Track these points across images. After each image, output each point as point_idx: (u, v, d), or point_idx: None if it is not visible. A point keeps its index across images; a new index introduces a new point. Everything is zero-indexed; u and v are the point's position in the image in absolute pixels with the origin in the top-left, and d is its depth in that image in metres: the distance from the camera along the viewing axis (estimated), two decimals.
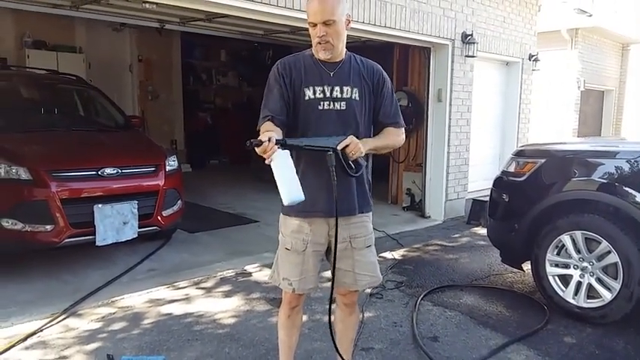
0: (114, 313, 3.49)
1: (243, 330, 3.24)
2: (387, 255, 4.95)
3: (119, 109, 5.84)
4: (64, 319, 3.38)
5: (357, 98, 2.19)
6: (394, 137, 2.31)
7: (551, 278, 3.59)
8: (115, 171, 4.37)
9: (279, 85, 2.15)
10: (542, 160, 3.79)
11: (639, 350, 3.05)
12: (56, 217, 4.04)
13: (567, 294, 3.50)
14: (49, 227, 4.04)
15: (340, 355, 2.38)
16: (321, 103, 2.15)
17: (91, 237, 4.20)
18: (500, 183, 4.08)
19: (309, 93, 2.15)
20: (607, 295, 3.32)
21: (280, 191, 1.94)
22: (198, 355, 2.93)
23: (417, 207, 6.96)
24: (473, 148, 7.13)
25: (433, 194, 6.77)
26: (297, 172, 2.05)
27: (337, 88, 2.16)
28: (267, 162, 1.92)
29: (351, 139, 2.08)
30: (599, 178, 3.44)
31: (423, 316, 3.53)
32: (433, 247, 5.39)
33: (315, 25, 2.09)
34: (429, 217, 6.73)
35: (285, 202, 1.96)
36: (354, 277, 2.27)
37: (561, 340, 3.20)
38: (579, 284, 3.47)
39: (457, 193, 6.94)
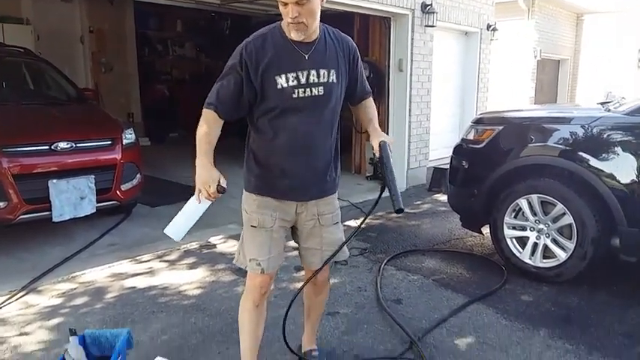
0: (75, 289, 3.41)
1: (208, 300, 3.22)
2: (352, 223, 4.98)
3: (71, 82, 5.62)
4: (23, 295, 3.29)
5: (335, 80, 2.04)
6: (375, 110, 2.29)
7: (508, 240, 3.71)
8: (69, 145, 4.23)
9: (237, 73, 1.95)
10: (500, 128, 3.87)
11: (592, 306, 3.21)
12: (9, 193, 3.90)
13: (524, 255, 3.63)
14: (1, 204, 3.90)
15: (288, 346, 2.35)
16: (296, 90, 1.97)
17: (47, 213, 4.08)
18: (460, 150, 4.16)
19: (281, 81, 1.95)
20: (562, 255, 3.45)
21: (174, 220, 2.04)
22: (163, 326, 2.91)
23: (380, 176, 6.98)
24: (434, 117, 7.22)
25: (395, 163, 6.77)
26: (272, 158, 2.05)
27: (313, 72, 1.98)
28: (195, 197, 1.94)
29: (388, 140, 2.08)
30: (555, 143, 3.54)
31: (386, 280, 3.60)
32: (396, 214, 5.46)
33: (285, 4, 1.87)
34: None
35: (168, 231, 2.05)
36: (322, 254, 2.19)
37: (518, 298, 3.32)
38: (535, 245, 3.60)
39: (419, 161, 7.04)
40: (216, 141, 2.00)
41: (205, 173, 1.91)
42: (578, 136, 3.46)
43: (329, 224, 2.21)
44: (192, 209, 2.01)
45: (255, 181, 2.12)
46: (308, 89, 1.98)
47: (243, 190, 2.19)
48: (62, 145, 4.19)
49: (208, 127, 1.99)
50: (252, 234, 2.14)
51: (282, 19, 2.01)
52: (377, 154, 2.09)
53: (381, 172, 2.05)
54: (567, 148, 3.47)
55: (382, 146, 2.06)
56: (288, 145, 2.03)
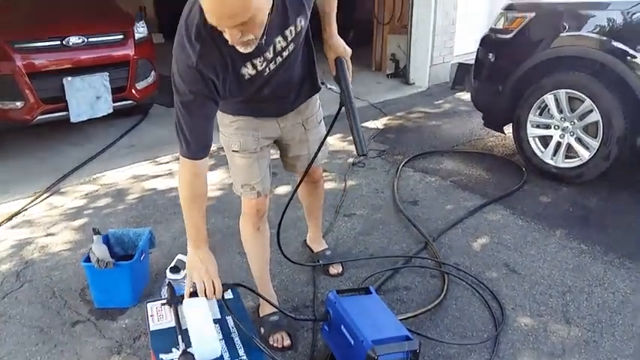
0: (97, 190, 3.50)
1: (227, 201, 3.27)
2: (370, 124, 4.91)
3: None
4: (48, 197, 3.39)
5: (304, 23, 1.61)
6: None
7: (531, 139, 3.60)
8: (81, 40, 4.13)
9: (207, 97, 1.50)
10: (532, 15, 3.57)
11: (611, 207, 3.17)
12: (25, 92, 3.89)
13: (546, 155, 3.54)
14: (19, 104, 3.91)
15: (283, 253, 2.27)
16: (267, 68, 1.60)
17: (65, 113, 4.09)
18: (488, 41, 3.90)
19: (247, 71, 1.56)
20: (585, 155, 3.35)
21: (193, 342, 1.49)
22: (184, 226, 2.97)
23: (401, 74, 6.78)
24: (461, 5, 6.75)
25: (418, 59, 6.54)
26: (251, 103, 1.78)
27: (279, 39, 1.56)
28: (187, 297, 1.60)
29: (344, 61, 1.78)
30: (589, 32, 3.27)
31: (403, 182, 3.58)
32: (416, 114, 5.34)
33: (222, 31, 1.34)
34: (413, 83, 6.58)
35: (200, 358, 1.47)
36: (309, 157, 2.03)
37: (537, 199, 3.29)
38: (558, 145, 3.48)
39: (443, 56, 6.71)
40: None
41: (205, 260, 1.62)
42: (615, 24, 3.17)
43: (314, 126, 2.05)
44: (198, 314, 1.55)
45: (228, 101, 1.82)
46: (279, 57, 1.61)
47: (218, 111, 1.86)
48: (74, 39, 4.10)
49: (197, 190, 1.64)
50: (236, 158, 1.93)
51: None
52: (332, 72, 1.82)
53: (340, 94, 1.75)
54: (602, 37, 3.20)
55: (339, 64, 1.79)
56: (268, 96, 1.77)
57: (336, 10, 1.89)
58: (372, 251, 2.72)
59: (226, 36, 1.34)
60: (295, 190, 2.08)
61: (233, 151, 1.92)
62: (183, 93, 1.48)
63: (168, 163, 3.96)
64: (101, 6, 5.03)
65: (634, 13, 3.10)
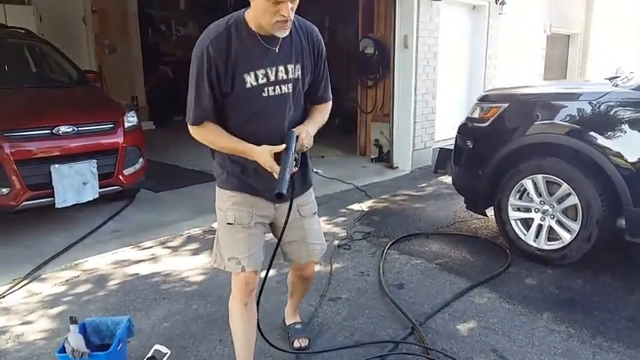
0: (78, 276, 3.43)
1: (211, 287, 3.23)
2: (355, 207, 4.96)
3: (73, 64, 5.58)
4: (27, 284, 3.31)
5: (300, 76, 1.90)
6: (325, 116, 2.08)
7: (513, 222, 3.66)
8: (71, 129, 4.21)
9: (209, 77, 1.78)
10: (506, 105, 3.78)
11: (596, 288, 3.17)
12: (12, 179, 3.90)
13: (529, 237, 3.58)
14: (5, 190, 3.91)
15: (263, 336, 2.26)
16: (266, 89, 1.84)
17: (50, 199, 4.09)
18: (465, 129, 4.08)
19: (250, 80, 1.81)
20: (567, 237, 3.40)
21: None
22: (165, 313, 2.92)
23: (385, 158, 6.96)
24: (440, 95, 7.10)
25: (401, 144, 6.77)
26: (245, 160, 1.90)
27: (281, 69, 1.85)
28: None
29: (303, 132, 1.87)
30: (561, 120, 3.44)
31: (389, 264, 3.57)
32: (400, 197, 5.43)
33: (279, 2, 1.68)
34: (397, 167, 6.75)
35: None
36: (307, 247, 2.16)
37: (522, 281, 3.29)
38: (540, 227, 3.54)
39: (424, 142, 6.96)
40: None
41: (261, 151, 1.82)
42: (585, 113, 3.36)
43: (309, 215, 2.14)
44: None
45: (229, 178, 2.00)
46: (277, 87, 1.86)
47: (216, 187, 2.07)
48: (64, 129, 4.18)
49: (216, 133, 1.87)
50: (229, 232, 2.01)
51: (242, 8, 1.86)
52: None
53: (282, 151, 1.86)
54: (574, 125, 3.37)
55: (288, 134, 1.86)
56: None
57: (322, 122, 2.05)
58: (358, 337, 2.65)
59: (276, 10, 1.68)
60: (276, 250, 2.06)
61: (228, 223, 1.99)
62: (194, 72, 1.81)
63: (151, 247, 3.92)
64: (93, 97, 5.22)
65: (601, 104, 3.29)
